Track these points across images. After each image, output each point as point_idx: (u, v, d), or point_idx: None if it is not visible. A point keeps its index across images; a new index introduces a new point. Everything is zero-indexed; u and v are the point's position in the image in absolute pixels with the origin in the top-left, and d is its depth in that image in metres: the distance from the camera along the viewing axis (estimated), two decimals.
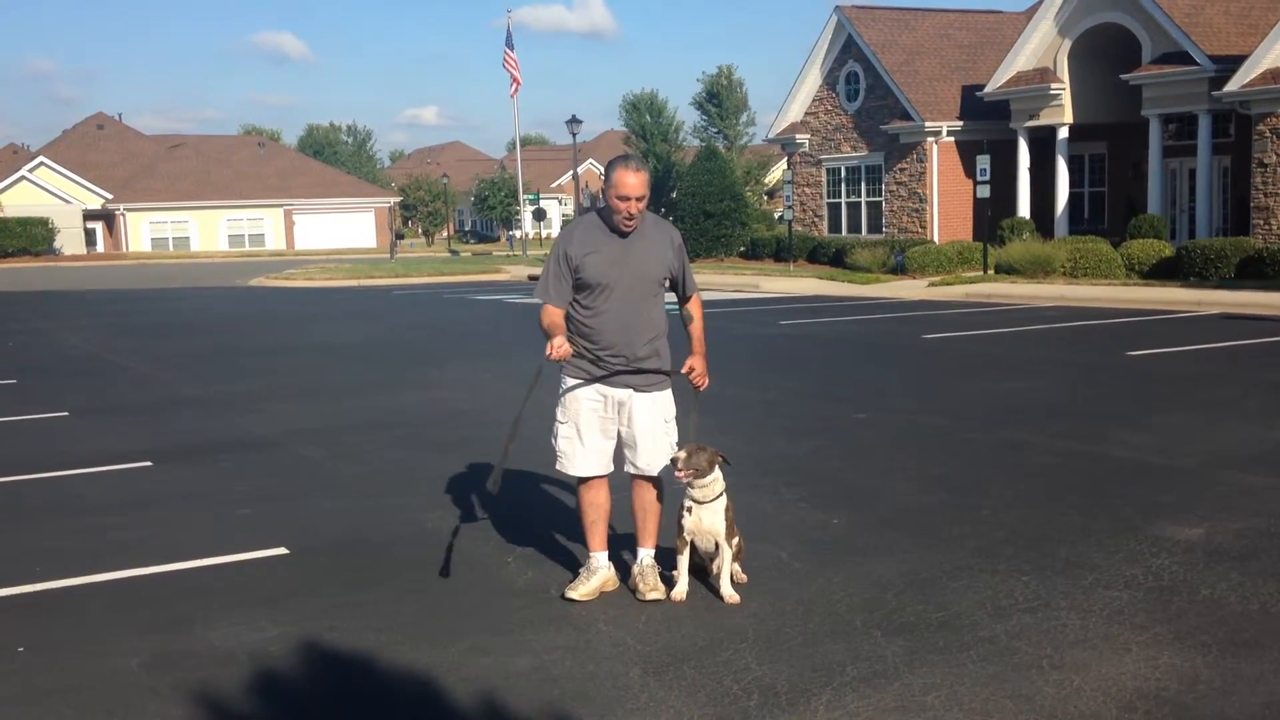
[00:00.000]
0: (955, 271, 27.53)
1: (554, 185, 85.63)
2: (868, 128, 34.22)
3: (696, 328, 5.36)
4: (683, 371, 5.25)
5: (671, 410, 5.30)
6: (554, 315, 5.16)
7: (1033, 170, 30.81)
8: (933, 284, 25.38)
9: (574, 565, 5.60)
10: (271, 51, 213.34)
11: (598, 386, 5.20)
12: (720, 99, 57.06)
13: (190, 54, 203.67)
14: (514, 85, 48.87)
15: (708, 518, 5.15)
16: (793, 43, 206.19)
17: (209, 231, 66.31)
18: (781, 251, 34.94)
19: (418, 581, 5.60)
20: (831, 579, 5.44)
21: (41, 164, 62.99)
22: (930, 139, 32.10)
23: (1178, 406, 9.97)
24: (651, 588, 5.22)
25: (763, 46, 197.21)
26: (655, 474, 5.26)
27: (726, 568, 5.20)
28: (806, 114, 36.60)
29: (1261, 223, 25.14)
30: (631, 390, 5.19)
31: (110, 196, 63.72)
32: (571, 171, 58.82)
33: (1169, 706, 4.00)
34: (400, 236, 71.32)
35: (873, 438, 9.00)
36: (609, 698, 4.19)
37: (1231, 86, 24.57)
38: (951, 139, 32.21)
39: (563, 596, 5.25)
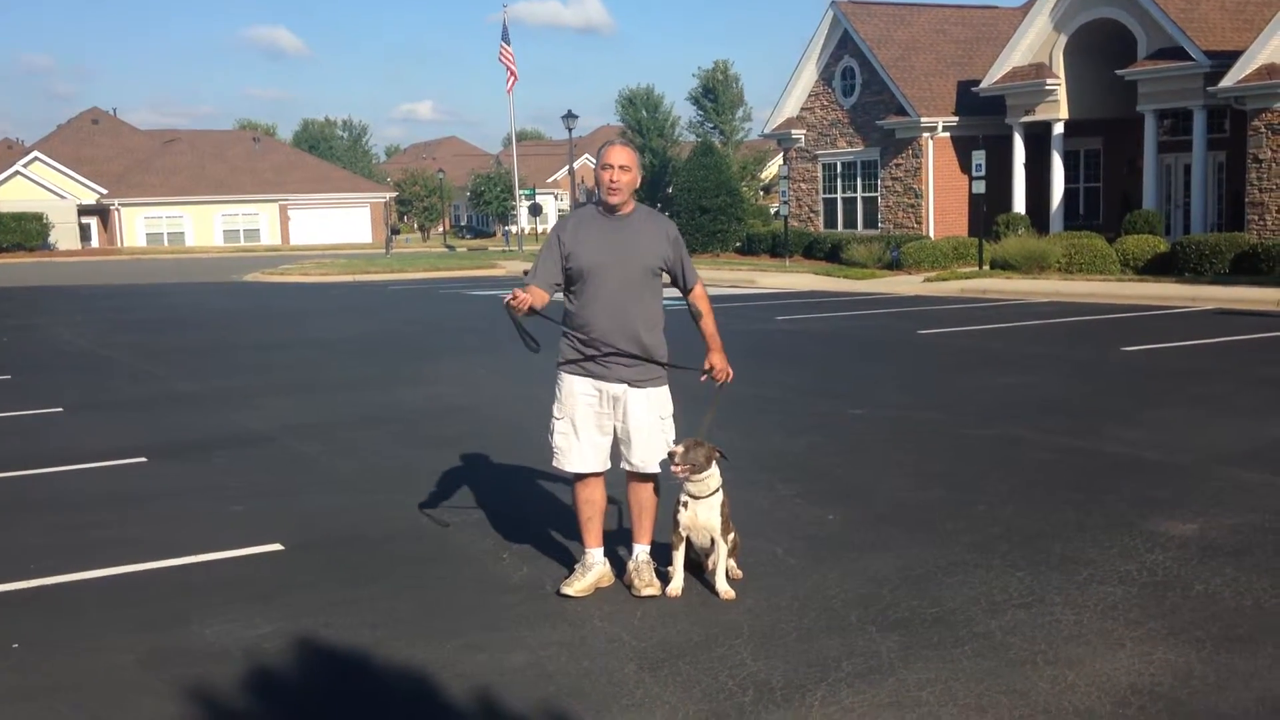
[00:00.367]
0: (951, 267, 27.54)
1: (550, 180, 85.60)
2: (864, 123, 34.22)
3: (708, 323, 5.36)
4: (704, 369, 5.28)
5: (668, 407, 5.29)
6: (532, 293, 5.11)
7: (1028, 166, 30.83)
8: (928, 279, 25.40)
9: (569, 561, 5.60)
10: (266, 46, 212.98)
11: (593, 381, 5.19)
12: (716, 94, 57.03)
13: (185, 49, 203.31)
14: (510, 80, 48.83)
15: (704, 513, 5.15)
16: (789, 38, 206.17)
17: (204, 227, 66.20)
18: (777, 247, 34.95)
19: (413, 577, 5.60)
20: (827, 575, 5.45)
21: (36, 159, 62.85)
22: (926, 134, 32.11)
23: (1172, 402, 9.99)
24: (647, 583, 5.22)
25: (759, 42, 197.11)
26: (650, 471, 5.25)
27: (722, 563, 5.20)
28: (802, 109, 36.59)
29: (1256, 218, 25.18)
30: (626, 385, 5.19)
31: (105, 191, 63.59)
32: (567, 166, 58.77)
33: (1163, 702, 4.01)
34: (396, 232, 71.27)
35: (868, 433, 9.00)
36: (604, 693, 4.20)
37: (1227, 82, 24.59)
38: (947, 134, 32.22)
39: (558, 593, 5.25)
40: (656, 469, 5.27)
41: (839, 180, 35.75)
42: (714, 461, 5.18)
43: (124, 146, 69.81)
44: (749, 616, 4.93)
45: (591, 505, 5.32)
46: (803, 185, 36.91)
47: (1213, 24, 26.64)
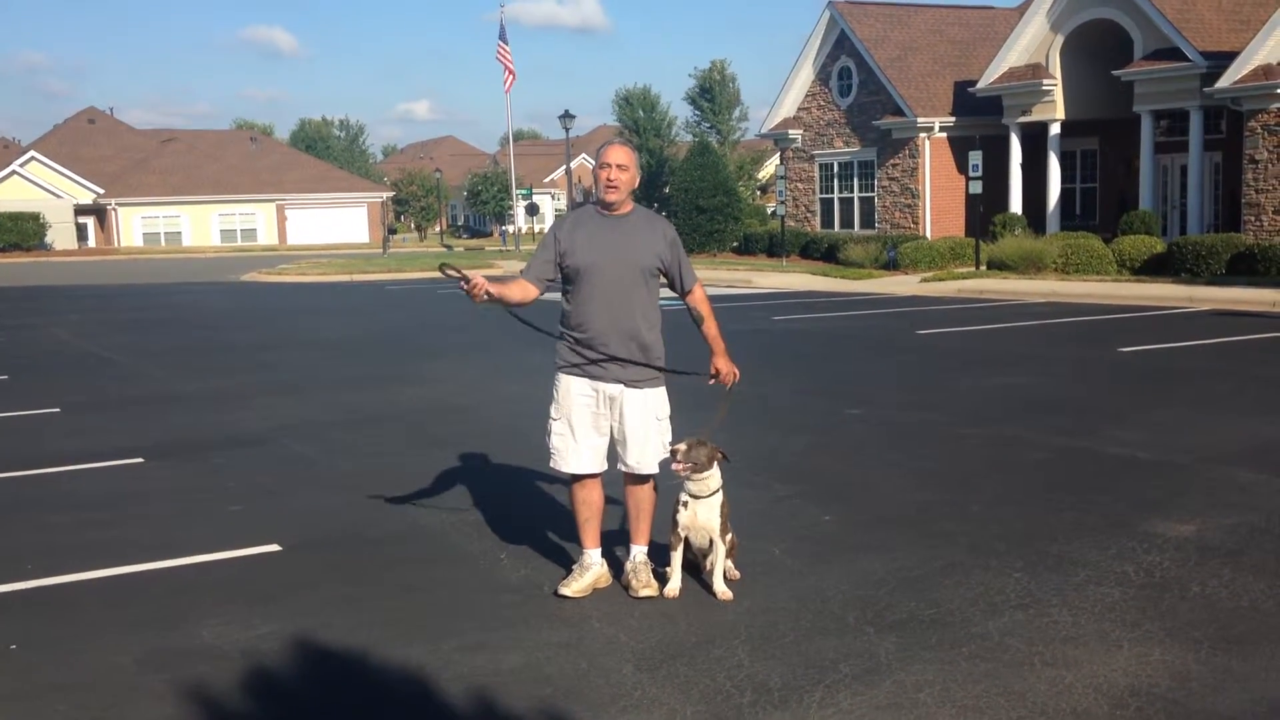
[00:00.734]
0: (947, 267, 27.55)
1: (547, 180, 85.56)
2: (860, 123, 34.24)
3: (710, 326, 5.36)
4: (710, 375, 5.31)
5: (664, 408, 5.29)
6: (519, 285, 5.17)
7: (1025, 166, 30.85)
8: (925, 279, 25.41)
9: (567, 562, 5.60)
10: (263, 46, 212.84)
11: (590, 382, 5.19)
12: (713, 94, 57.07)
13: (182, 48, 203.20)
14: (508, 79, 48.81)
15: (703, 513, 5.15)
16: (785, 38, 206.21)
17: (201, 226, 66.12)
18: (774, 247, 34.95)
19: (411, 578, 5.59)
20: (824, 576, 5.45)
21: (32, 158, 62.75)
22: (923, 134, 32.13)
23: (1169, 402, 10.00)
24: (644, 584, 5.22)
25: (755, 42, 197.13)
26: (646, 472, 5.25)
27: (720, 564, 5.20)
28: (799, 109, 36.60)
29: (1253, 219, 25.21)
30: (623, 386, 5.18)
31: (102, 191, 63.50)
32: (564, 166, 58.77)
33: (1160, 703, 4.01)
34: (393, 231, 71.26)
35: (866, 434, 9.01)
36: (602, 695, 4.20)
37: (1223, 83, 24.61)
38: (944, 135, 32.24)
39: (555, 593, 5.25)
40: (653, 470, 5.27)
41: (836, 180, 35.77)
42: (715, 462, 5.18)
43: (121, 146, 69.71)
44: (747, 617, 4.93)
45: (589, 506, 5.32)
46: (799, 185, 36.92)
47: (1209, 25, 26.67)
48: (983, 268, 26.17)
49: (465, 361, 14.12)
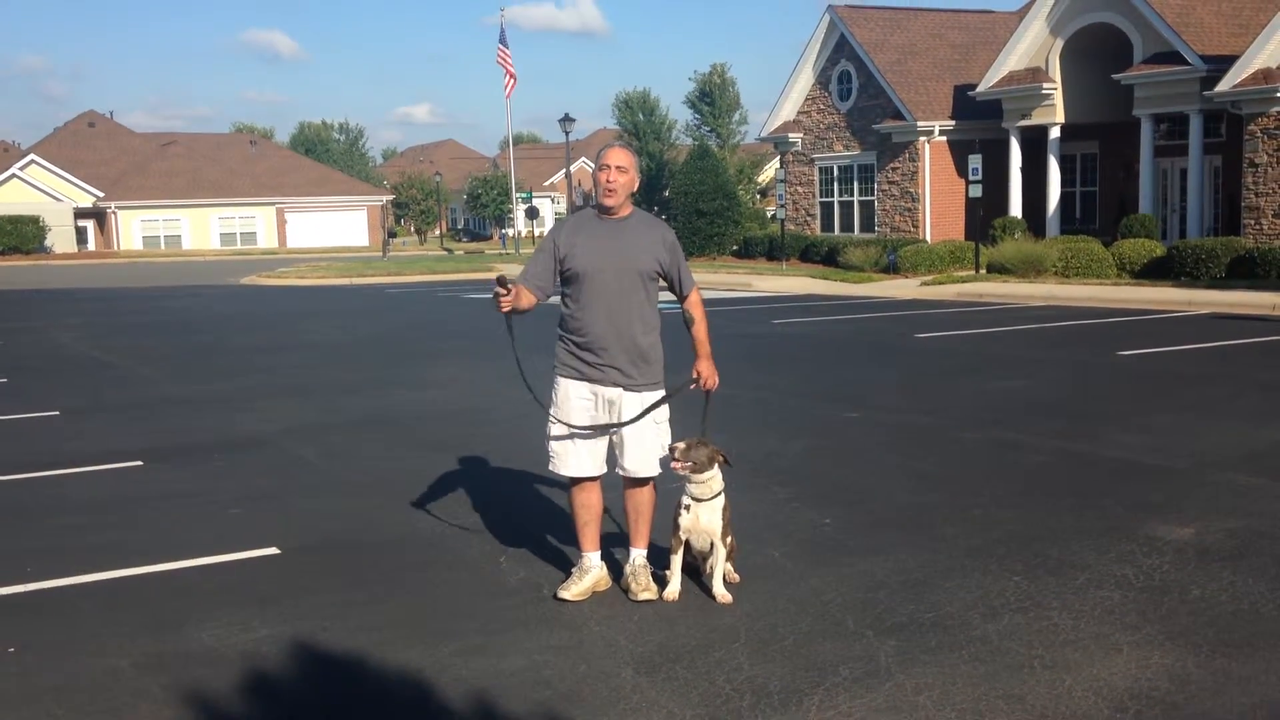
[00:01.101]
0: (947, 271, 27.57)
1: (547, 184, 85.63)
2: (860, 127, 34.27)
3: (699, 329, 5.34)
4: (691, 377, 5.26)
5: (664, 412, 5.28)
6: (519, 292, 5.15)
7: (1025, 170, 30.87)
8: (925, 283, 25.41)
9: (566, 565, 5.59)
10: (262, 49, 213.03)
11: (589, 385, 5.19)
12: (713, 97, 57.11)
13: (181, 51, 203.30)
14: (509, 83, 48.86)
15: (705, 516, 5.15)
16: (785, 42, 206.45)
17: (201, 230, 66.17)
18: (774, 250, 34.97)
19: (410, 581, 5.59)
20: (824, 579, 5.45)
21: (32, 162, 62.81)
22: (922, 138, 32.15)
23: (1169, 406, 9.99)
24: (644, 587, 5.22)
25: (755, 46, 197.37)
26: (645, 475, 5.25)
27: (720, 567, 5.20)
28: (799, 113, 36.63)
29: (1253, 222, 25.22)
30: (621, 389, 5.18)
31: (102, 194, 63.55)
32: (564, 170, 58.81)
33: (1160, 706, 4.01)
34: (393, 234, 71.22)
35: (865, 437, 9.00)
36: (601, 698, 4.19)
37: (1223, 86, 24.64)
38: (944, 138, 32.27)
39: (555, 597, 5.24)
40: (652, 473, 5.26)
41: (836, 184, 35.79)
42: (716, 464, 5.18)
43: (121, 149, 69.75)
44: (746, 621, 4.92)
45: (588, 509, 5.32)
46: (799, 189, 36.94)
47: (1209, 28, 26.69)
48: (982, 271, 26.19)
49: (465, 365, 14.12)
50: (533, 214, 57.13)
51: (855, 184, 35.03)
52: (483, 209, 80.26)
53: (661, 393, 5.28)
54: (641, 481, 5.28)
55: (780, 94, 37.10)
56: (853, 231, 34.80)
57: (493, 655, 4.62)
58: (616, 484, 5.40)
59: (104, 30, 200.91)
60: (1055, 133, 29.78)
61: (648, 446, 5.20)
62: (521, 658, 4.59)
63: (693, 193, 38.56)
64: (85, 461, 8.51)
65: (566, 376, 5.24)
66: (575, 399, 5.21)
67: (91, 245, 64.61)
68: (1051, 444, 8.43)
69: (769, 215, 49.31)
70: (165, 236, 65.13)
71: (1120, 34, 27.58)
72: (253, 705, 4.29)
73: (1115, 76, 27.54)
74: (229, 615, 5.14)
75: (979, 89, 30.85)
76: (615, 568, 5.47)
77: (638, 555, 5.33)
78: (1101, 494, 6.90)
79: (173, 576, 5.76)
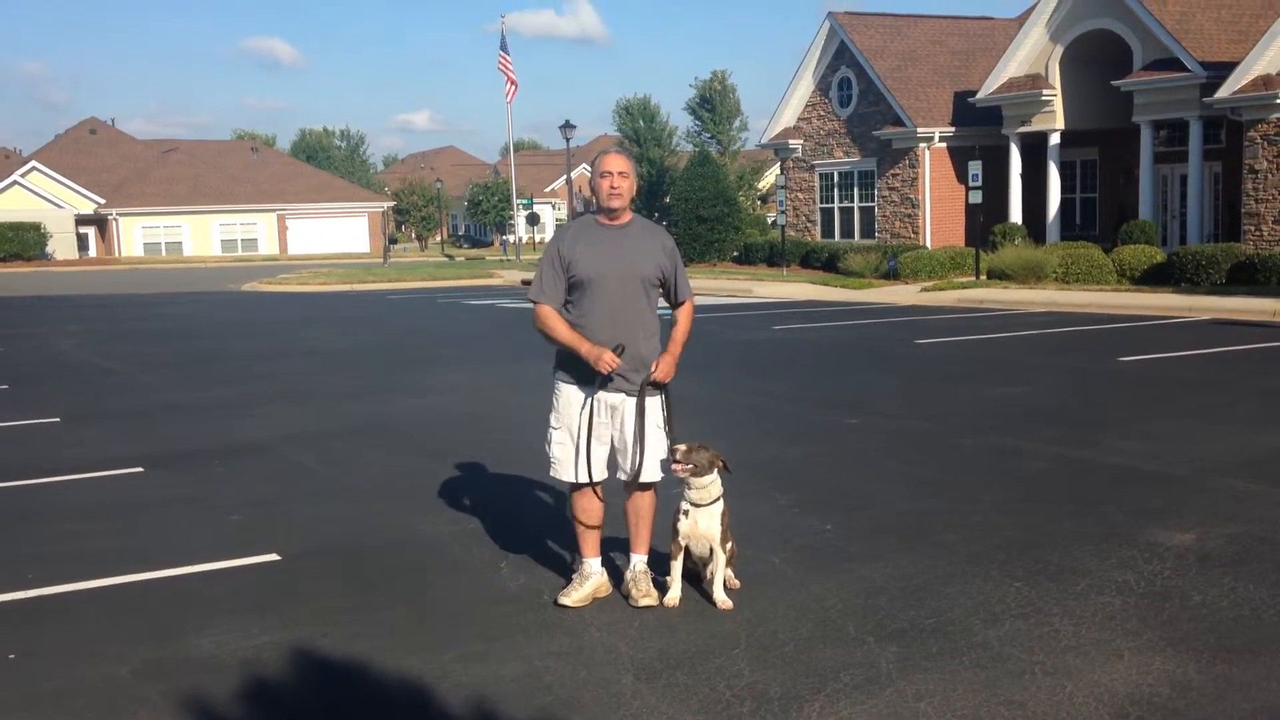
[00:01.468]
0: (948, 277, 27.56)
1: (547, 190, 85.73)
2: (860, 133, 34.30)
3: (678, 329, 5.31)
4: (651, 374, 5.15)
5: (664, 416, 5.28)
6: (555, 318, 5.13)
7: (1025, 176, 30.89)
8: (925, 289, 25.42)
9: (566, 571, 5.59)
10: (263, 56, 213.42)
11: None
12: (713, 104, 57.15)
13: (182, 59, 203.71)
14: (510, 89, 48.89)
15: (704, 521, 5.15)
16: (785, 49, 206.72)
17: (202, 236, 66.22)
18: (774, 256, 34.98)
19: (410, 587, 5.59)
20: (824, 585, 5.44)
21: (34, 169, 62.86)
22: (922, 145, 32.18)
23: (1169, 412, 9.99)
24: (644, 593, 5.21)
25: (755, 52, 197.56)
26: (646, 480, 5.25)
27: (720, 573, 5.19)
28: (799, 119, 36.67)
29: (1253, 229, 25.23)
30: (624, 395, 5.19)
31: (103, 201, 63.61)
32: (565, 176, 58.86)
33: (1161, 712, 4.00)
34: (393, 241, 71.32)
35: (865, 443, 9.00)
36: (601, 704, 4.19)
37: (1223, 93, 24.65)
38: (944, 145, 32.29)
39: (555, 603, 5.24)
40: (654, 478, 5.26)
41: (836, 190, 35.81)
42: (716, 469, 5.17)
43: (122, 156, 69.84)
44: (747, 627, 4.92)
45: (589, 515, 5.32)
46: (800, 195, 36.97)
47: (1208, 35, 26.72)
48: (983, 277, 26.18)
49: (465, 371, 14.12)
50: (533, 220, 57.18)
51: (855, 190, 35.05)
52: (483, 215, 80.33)
53: (660, 397, 5.28)
54: (643, 487, 5.28)
55: (780, 100, 37.15)
56: (853, 238, 34.81)
57: (493, 661, 4.62)
58: (618, 490, 5.40)
59: (105, 37, 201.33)
60: (1055, 139, 29.81)
61: (650, 452, 5.20)
62: (522, 664, 4.58)
63: (693, 199, 38.58)
64: (86, 468, 8.51)
65: (568, 383, 5.24)
66: (577, 405, 5.21)
67: (93, 252, 64.66)
68: (1052, 450, 8.43)
69: (769, 221, 49.34)
70: (166, 243, 65.18)
71: (1120, 41, 27.61)
72: (253, 712, 4.29)
73: (1115, 83, 27.56)
74: (229, 621, 5.14)
75: (979, 95, 30.88)
76: (616, 574, 5.47)
77: (638, 561, 5.32)
78: (1102, 500, 6.90)
79: (173, 583, 5.76)
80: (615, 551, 5.71)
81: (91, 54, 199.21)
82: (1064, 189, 30.91)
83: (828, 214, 36.21)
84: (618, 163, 5.15)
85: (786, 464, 8.23)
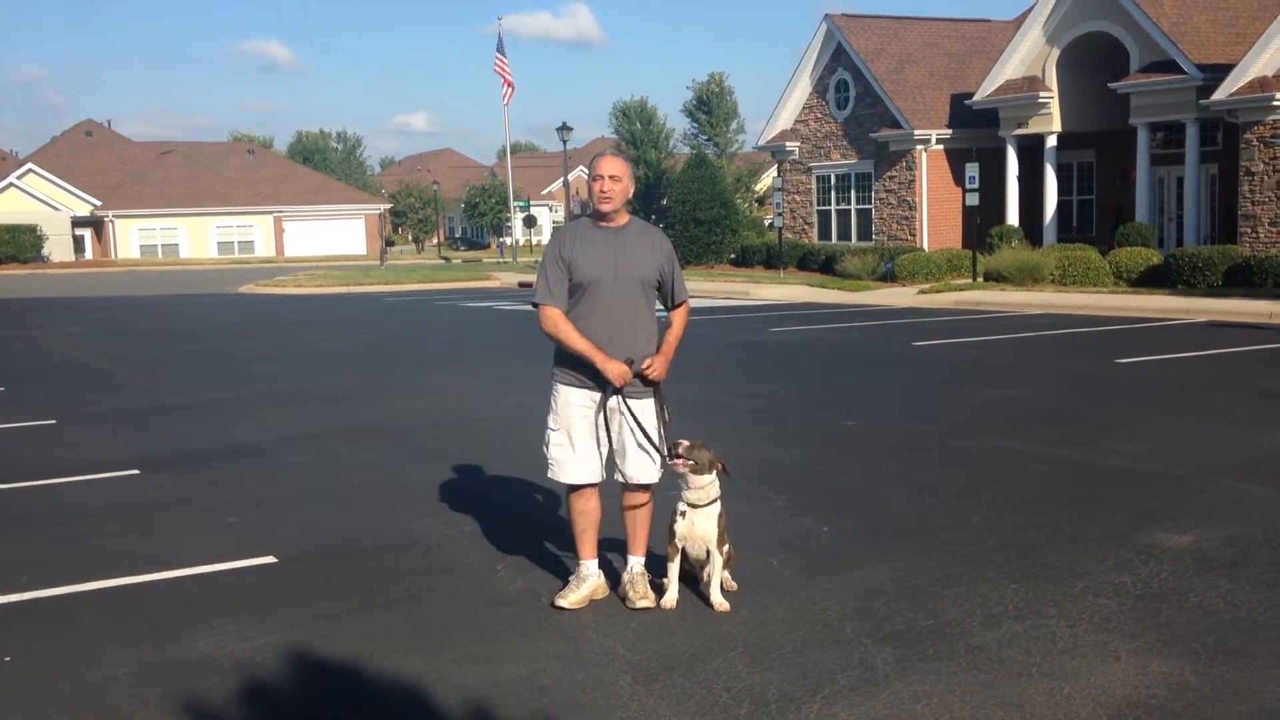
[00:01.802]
0: (945, 279, 27.58)
1: (544, 192, 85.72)
2: (857, 135, 34.31)
3: (672, 331, 5.32)
4: (642, 367, 5.13)
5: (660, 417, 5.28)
6: (565, 322, 5.12)
7: (1021, 178, 30.91)
8: (922, 291, 25.44)
9: (564, 573, 5.59)
10: (259, 59, 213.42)
11: (589, 393, 5.19)
12: (710, 106, 57.20)
13: (179, 61, 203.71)
14: (507, 91, 48.84)
15: (701, 522, 5.15)
16: (780, 51, 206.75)
17: (198, 238, 66.17)
18: (772, 258, 35.00)
19: (407, 589, 5.58)
20: (822, 587, 5.44)
21: (30, 171, 62.78)
22: (919, 147, 32.20)
23: (1166, 414, 10.00)
24: (641, 595, 5.21)
25: (750, 54, 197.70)
26: (644, 483, 5.24)
27: (717, 575, 5.19)
28: (796, 122, 36.68)
29: (1249, 230, 25.25)
30: (621, 397, 5.18)
31: (99, 203, 63.54)
32: (562, 178, 58.86)
33: (1158, 714, 4.00)
34: (390, 243, 71.30)
35: (862, 445, 9.00)
36: (599, 706, 4.19)
37: (1219, 95, 24.68)
38: (941, 147, 32.31)
39: (552, 605, 5.23)
40: (651, 480, 5.26)
41: (833, 192, 35.83)
42: (715, 470, 5.18)
43: (118, 158, 69.77)
44: (744, 629, 4.92)
45: (586, 517, 5.32)
46: (797, 197, 36.98)
47: (1205, 37, 26.76)
48: (980, 279, 26.20)
49: (463, 373, 14.11)
50: (530, 222, 57.15)
51: (852, 192, 35.07)
52: (480, 217, 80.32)
53: (655, 398, 5.27)
54: (640, 488, 5.27)
55: (778, 103, 37.17)
56: (850, 240, 34.83)
57: (490, 664, 4.61)
58: (615, 492, 5.40)
59: (102, 40, 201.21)
60: (1052, 141, 29.84)
61: (648, 454, 5.20)
62: (519, 666, 4.58)
63: (690, 201, 38.59)
64: (82, 470, 8.50)
65: (566, 384, 5.24)
66: (575, 406, 5.21)
67: (89, 254, 64.56)
68: (1049, 452, 8.43)
69: (766, 224, 49.36)
70: (163, 245, 65.11)
71: (1117, 43, 27.64)
72: (250, 714, 4.28)
73: (1112, 85, 27.60)
74: (226, 624, 5.13)
75: (976, 98, 30.91)
76: (613, 576, 5.47)
77: (635, 563, 5.32)
78: (1099, 502, 6.90)
79: (170, 585, 5.75)
80: (613, 553, 5.71)
81: (88, 56, 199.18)
82: (1061, 191, 30.94)
83: (825, 216, 36.23)
84: (610, 166, 5.15)
85: (784, 465, 8.23)
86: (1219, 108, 24.97)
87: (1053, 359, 14.21)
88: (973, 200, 26.83)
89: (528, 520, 6.81)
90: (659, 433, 5.24)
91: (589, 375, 5.17)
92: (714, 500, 5.17)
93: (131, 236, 64.53)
